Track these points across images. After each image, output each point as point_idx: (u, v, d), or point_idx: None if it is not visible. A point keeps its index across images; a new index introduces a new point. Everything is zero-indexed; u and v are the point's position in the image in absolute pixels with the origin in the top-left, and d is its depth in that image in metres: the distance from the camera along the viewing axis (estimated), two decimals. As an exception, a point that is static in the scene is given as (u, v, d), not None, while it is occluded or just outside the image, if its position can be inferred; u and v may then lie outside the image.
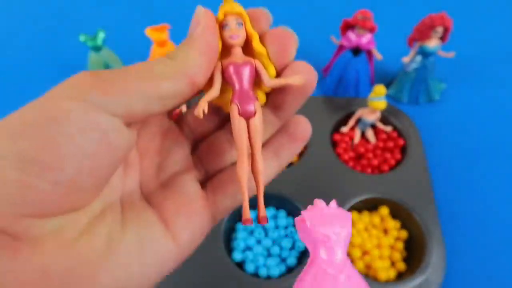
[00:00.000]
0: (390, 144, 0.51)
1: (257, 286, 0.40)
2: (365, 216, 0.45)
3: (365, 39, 0.53)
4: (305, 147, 0.50)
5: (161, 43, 0.55)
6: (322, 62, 0.62)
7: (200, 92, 0.21)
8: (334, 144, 0.52)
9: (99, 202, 0.19)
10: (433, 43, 0.52)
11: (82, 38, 0.52)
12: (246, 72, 0.20)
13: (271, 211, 0.45)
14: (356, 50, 0.55)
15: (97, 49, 0.53)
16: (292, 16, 0.55)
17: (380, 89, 0.47)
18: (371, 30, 0.52)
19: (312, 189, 0.46)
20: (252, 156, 0.20)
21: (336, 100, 0.55)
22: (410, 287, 0.39)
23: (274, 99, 0.23)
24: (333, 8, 0.72)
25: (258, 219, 0.20)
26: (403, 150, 0.51)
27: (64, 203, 0.17)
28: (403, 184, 0.46)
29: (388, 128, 0.52)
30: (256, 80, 0.21)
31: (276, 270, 0.41)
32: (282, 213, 0.45)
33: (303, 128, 0.23)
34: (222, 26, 0.20)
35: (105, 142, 0.17)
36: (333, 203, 0.19)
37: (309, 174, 0.47)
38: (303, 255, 0.43)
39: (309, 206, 0.19)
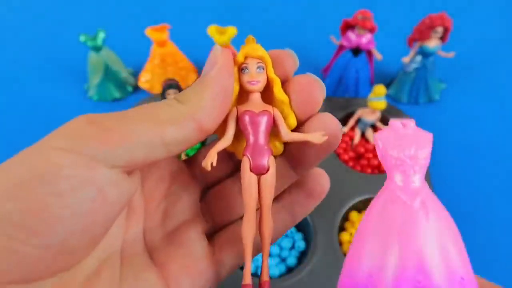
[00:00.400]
0: (390, 144, 0.51)
1: (257, 285, 0.40)
2: (365, 216, 0.45)
3: (365, 39, 0.53)
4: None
5: (161, 43, 0.55)
6: (322, 62, 0.62)
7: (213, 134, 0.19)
8: (334, 144, 0.52)
9: (95, 257, 0.17)
10: (433, 43, 0.52)
11: (82, 38, 0.52)
12: (263, 124, 0.18)
13: (271, 211, 0.45)
14: (356, 50, 0.55)
15: (97, 49, 0.53)
16: (292, 16, 0.55)
17: (380, 89, 0.47)
18: (371, 30, 0.52)
19: (312, 189, 0.46)
20: (260, 215, 0.19)
21: (336, 100, 0.55)
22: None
23: (293, 152, 0.21)
24: (333, 8, 0.72)
25: (260, 284, 0.19)
26: (403, 150, 0.51)
27: (53, 265, 0.15)
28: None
29: (388, 128, 0.52)
30: (274, 129, 0.19)
31: (276, 270, 0.41)
32: (282, 213, 0.45)
33: (322, 184, 0.22)
34: (241, 68, 0.19)
35: (100, 198, 0.16)
36: (411, 122, 0.17)
37: (309, 174, 0.47)
38: (303, 255, 0.43)
39: (385, 128, 0.17)
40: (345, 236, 0.44)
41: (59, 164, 0.15)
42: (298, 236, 0.44)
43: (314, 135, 0.18)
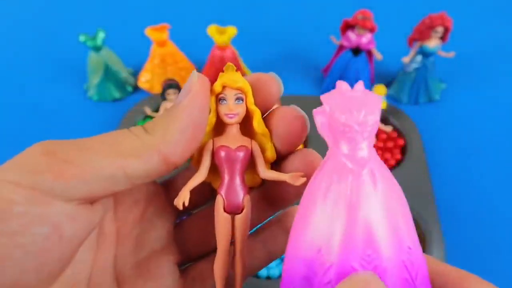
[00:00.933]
0: (390, 144, 0.51)
1: (257, 286, 0.39)
2: (365, 216, 0.45)
3: (365, 39, 0.53)
4: (305, 147, 0.50)
5: (161, 43, 0.55)
6: (322, 62, 0.62)
7: (189, 160, 0.18)
8: (334, 144, 0.52)
9: (61, 282, 0.16)
10: (433, 43, 0.52)
11: (82, 38, 0.52)
12: (239, 161, 0.18)
13: (271, 211, 0.45)
14: (356, 50, 0.55)
15: (97, 49, 0.53)
16: (292, 16, 0.55)
17: (380, 89, 0.47)
18: (371, 30, 0.52)
19: (312, 189, 0.46)
20: (234, 253, 0.18)
21: (336, 100, 0.55)
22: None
23: (271, 187, 0.20)
24: (333, 8, 0.72)
25: None
26: (403, 150, 0.51)
27: None
28: (403, 184, 0.46)
29: (388, 128, 0.52)
30: (252, 162, 0.18)
31: (276, 270, 0.41)
32: (282, 213, 0.45)
33: None
34: (218, 99, 0.18)
35: (55, 235, 0.15)
36: (359, 85, 0.16)
37: (309, 174, 0.47)
38: (303, 255, 0.43)
39: (332, 90, 0.15)
40: (345, 236, 0.44)
41: (10, 200, 0.14)
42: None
43: (292, 176, 0.17)
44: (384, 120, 0.52)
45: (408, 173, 0.48)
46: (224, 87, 0.18)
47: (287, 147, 0.19)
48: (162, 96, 0.50)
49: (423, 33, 0.51)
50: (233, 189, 0.18)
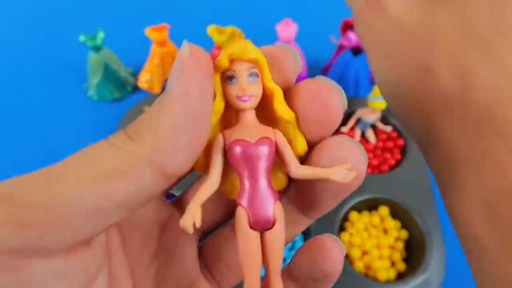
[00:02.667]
0: (390, 144, 0.51)
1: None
2: (365, 216, 0.45)
3: (365, 39, 0.53)
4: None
5: (161, 43, 0.55)
6: (322, 62, 0.62)
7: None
8: (334, 144, 0.52)
9: None
10: (433, 43, 0.52)
11: (81, 38, 0.52)
12: (263, 158, 0.13)
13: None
14: (356, 50, 0.54)
15: (96, 49, 0.53)
16: (292, 16, 0.55)
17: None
18: (371, 30, 0.52)
19: (312, 189, 0.45)
20: (266, 282, 0.14)
21: (336, 100, 0.55)
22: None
23: (302, 191, 0.15)
24: (333, 8, 0.72)
25: None
26: (403, 150, 0.51)
27: None
28: (403, 184, 0.46)
29: (388, 128, 0.52)
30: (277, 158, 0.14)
31: (276, 270, 0.41)
32: (282, 213, 0.45)
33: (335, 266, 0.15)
34: (226, 76, 0.13)
35: None
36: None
37: (309, 174, 0.47)
38: (303, 255, 0.43)
39: None
40: (345, 236, 0.44)
41: None
42: (298, 237, 0.44)
43: (337, 171, 0.13)
44: (384, 120, 0.52)
45: (408, 173, 0.48)
46: (232, 60, 0.13)
47: (318, 134, 0.14)
48: (162, 96, 0.50)
49: (423, 33, 0.51)
50: (259, 197, 0.13)
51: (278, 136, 0.14)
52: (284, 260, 0.43)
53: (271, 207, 0.13)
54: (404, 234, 0.44)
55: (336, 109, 0.14)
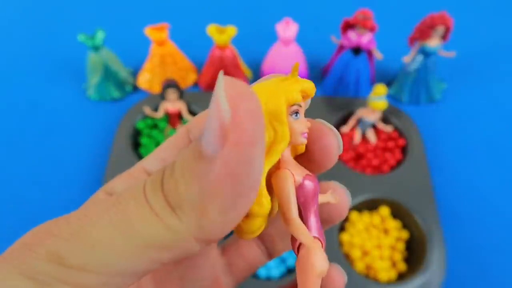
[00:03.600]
0: (391, 144, 0.51)
1: (257, 286, 0.39)
2: (366, 217, 0.45)
3: (366, 38, 0.52)
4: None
5: (160, 43, 0.54)
6: (322, 61, 0.61)
7: None
8: (334, 144, 0.51)
9: None
10: (433, 43, 0.52)
11: (81, 37, 0.51)
12: (318, 192, 0.13)
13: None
14: (357, 50, 0.54)
15: (96, 48, 0.53)
16: (292, 15, 0.55)
17: (380, 89, 0.47)
18: (372, 29, 0.52)
19: (312, 189, 0.45)
20: None
21: (336, 100, 0.54)
22: (410, 288, 0.39)
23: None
24: (334, 7, 0.72)
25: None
26: (404, 150, 0.51)
27: None
28: (403, 184, 0.46)
29: (389, 128, 0.52)
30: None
31: (276, 271, 0.41)
32: (282, 214, 0.45)
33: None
34: (291, 111, 0.13)
35: None
36: None
37: (309, 174, 0.47)
38: (303, 256, 0.42)
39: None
40: (345, 236, 0.44)
41: None
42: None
43: (333, 194, 0.15)
44: (384, 119, 0.52)
45: (409, 173, 0.47)
46: (304, 97, 0.13)
47: (319, 170, 0.15)
48: (162, 96, 0.50)
49: (423, 32, 0.51)
50: (321, 230, 0.13)
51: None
52: (285, 260, 0.43)
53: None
54: (404, 234, 0.44)
55: (332, 152, 0.14)
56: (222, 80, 0.10)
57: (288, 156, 0.13)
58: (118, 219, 0.11)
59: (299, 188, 0.13)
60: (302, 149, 0.14)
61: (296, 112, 0.13)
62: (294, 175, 0.13)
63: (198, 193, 0.11)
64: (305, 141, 0.13)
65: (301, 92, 0.13)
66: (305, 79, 0.13)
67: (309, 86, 0.13)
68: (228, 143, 0.10)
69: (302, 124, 0.13)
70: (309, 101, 0.14)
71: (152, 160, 0.16)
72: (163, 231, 0.11)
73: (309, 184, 0.13)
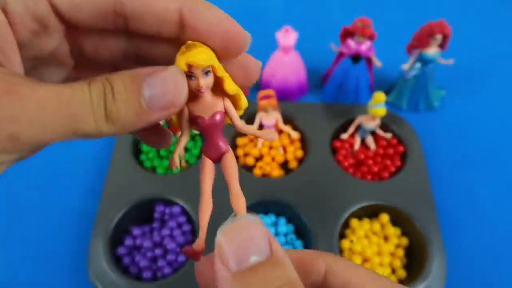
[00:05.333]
0: (390, 151, 0.51)
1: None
2: (366, 223, 0.45)
3: (365, 46, 0.53)
4: (305, 154, 0.50)
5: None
6: (322, 69, 0.62)
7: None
8: (334, 151, 0.52)
9: None
10: (432, 51, 0.52)
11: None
12: (216, 125, 0.19)
13: (271, 218, 0.45)
14: (356, 58, 0.55)
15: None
16: (292, 23, 0.55)
17: (379, 96, 0.48)
18: (371, 37, 0.52)
19: (312, 196, 0.45)
20: (231, 194, 0.19)
21: (336, 107, 0.55)
22: (411, 295, 0.39)
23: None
24: (333, 15, 0.73)
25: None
26: (403, 157, 0.51)
27: None
28: (403, 191, 0.46)
29: (388, 135, 0.52)
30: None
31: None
32: (282, 220, 0.45)
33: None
34: (186, 74, 0.18)
35: None
36: None
37: (309, 181, 0.47)
38: (303, 263, 0.42)
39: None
40: (345, 243, 0.44)
41: None
42: (299, 243, 0.44)
43: (266, 134, 0.20)
44: (384, 126, 0.52)
45: (408, 179, 0.48)
46: (189, 65, 0.17)
47: (243, 83, 0.20)
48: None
49: (422, 40, 0.51)
50: (215, 147, 0.19)
51: (227, 104, 0.19)
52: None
53: (224, 149, 0.19)
54: (404, 241, 0.44)
55: (254, 72, 0.20)
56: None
57: (205, 97, 0.18)
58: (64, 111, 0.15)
59: (191, 121, 0.19)
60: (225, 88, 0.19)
61: (189, 76, 0.17)
62: (190, 110, 0.19)
63: (134, 113, 0.16)
64: (200, 94, 0.18)
65: (186, 63, 0.17)
66: (198, 51, 0.17)
67: (193, 60, 0.17)
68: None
69: (194, 84, 0.18)
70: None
71: None
72: (94, 132, 0.15)
73: (198, 122, 0.19)
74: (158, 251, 0.43)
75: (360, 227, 0.45)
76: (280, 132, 0.52)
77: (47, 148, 0.59)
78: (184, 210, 0.45)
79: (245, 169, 0.49)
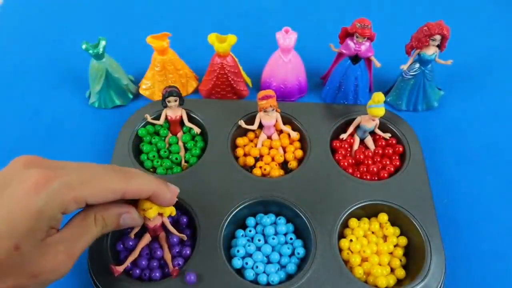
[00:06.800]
0: (389, 150, 0.51)
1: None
2: (365, 223, 0.45)
3: (364, 47, 0.53)
4: (305, 154, 0.50)
5: (162, 51, 0.55)
6: (321, 69, 0.62)
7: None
8: (333, 151, 0.52)
9: None
10: (431, 51, 0.52)
11: (83, 46, 0.52)
12: (155, 229, 0.42)
13: (271, 218, 0.45)
14: (355, 58, 0.55)
15: (98, 57, 0.54)
16: (291, 24, 0.56)
17: (379, 97, 0.48)
18: (370, 38, 0.52)
19: (312, 195, 0.46)
20: None
21: (335, 107, 0.55)
22: (409, 294, 0.39)
23: None
24: (332, 16, 0.73)
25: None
26: (402, 156, 0.51)
27: None
28: (402, 191, 0.47)
29: (387, 135, 0.52)
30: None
31: (275, 277, 0.41)
32: (281, 220, 0.45)
33: None
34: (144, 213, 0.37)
35: None
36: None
37: (309, 180, 0.47)
38: (303, 262, 0.43)
39: None
40: (344, 243, 0.44)
41: None
42: (298, 243, 0.44)
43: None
44: (383, 126, 0.53)
45: (408, 179, 0.48)
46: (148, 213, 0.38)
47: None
48: (163, 103, 0.50)
49: (421, 41, 0.51)
50: (154, 233, 0.41)
51: (164, 219, 0.41)
52: (285, 266, 0.43)
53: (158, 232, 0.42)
54: (403, 240, 0.45)
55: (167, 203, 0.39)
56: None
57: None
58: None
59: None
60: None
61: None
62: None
63: (117, 225, 0.36)
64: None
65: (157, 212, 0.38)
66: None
67: (148, 216, 0.38)
68: None
69: (146, 219, 0.39)
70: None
71: None
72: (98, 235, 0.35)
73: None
74: (158, 251, 0.43)
75: (359, 227, 0.45)
76: (280, 132, 0.53)
77: (47, 149, 0.59)
78: (184, 209, 0.45)
79: (245, 169, 0.49)
